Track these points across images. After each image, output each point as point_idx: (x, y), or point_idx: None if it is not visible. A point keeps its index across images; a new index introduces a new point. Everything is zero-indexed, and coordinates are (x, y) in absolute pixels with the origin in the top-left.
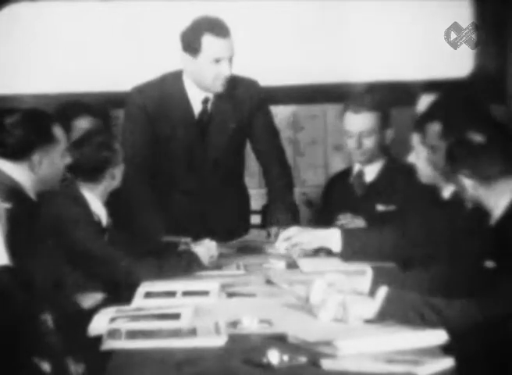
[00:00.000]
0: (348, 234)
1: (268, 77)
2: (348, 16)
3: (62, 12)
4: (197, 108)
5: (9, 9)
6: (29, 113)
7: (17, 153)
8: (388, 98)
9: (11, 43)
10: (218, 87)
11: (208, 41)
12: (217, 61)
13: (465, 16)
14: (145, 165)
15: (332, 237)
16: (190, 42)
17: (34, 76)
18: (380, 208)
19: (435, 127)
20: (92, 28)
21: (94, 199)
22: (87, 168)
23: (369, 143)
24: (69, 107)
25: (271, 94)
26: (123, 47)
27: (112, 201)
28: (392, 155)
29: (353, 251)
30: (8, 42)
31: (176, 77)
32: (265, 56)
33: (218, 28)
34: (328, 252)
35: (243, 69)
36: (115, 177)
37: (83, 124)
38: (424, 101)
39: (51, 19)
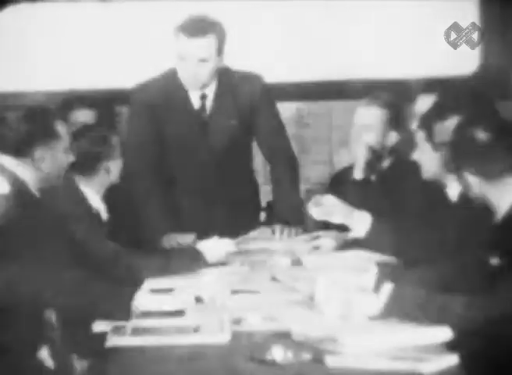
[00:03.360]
0: (378, 225)
1: (272, 74)
2: (353, 13)
3: (66, 10)
4: (196, 104)
5: (13, 8)
6: (32, 109)
7: (19, 148)
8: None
9: (15, 41)
10: (191, 85)
11: (178, 39)
12: (181, 58)
13: (471, 13)
14: (150, 161)
15: (361, 222)
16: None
17: (38, 73)
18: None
19: (450, 122)
20: (95, 25)
21: (92, 193)
22: (81, 161)
23: (367, 138)
24: (67, 100)
25: (275, 91)
26: (126, 43)
27: (112, 197)
28: (398, 153)
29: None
30: (12, 40)
31: (176, 74)
32: (270, 53)
33: (190, 28)
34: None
35: (248, 65)
36: (110, 171)
37: (80, 117)
38: (423, 101)
39: (55, 16)
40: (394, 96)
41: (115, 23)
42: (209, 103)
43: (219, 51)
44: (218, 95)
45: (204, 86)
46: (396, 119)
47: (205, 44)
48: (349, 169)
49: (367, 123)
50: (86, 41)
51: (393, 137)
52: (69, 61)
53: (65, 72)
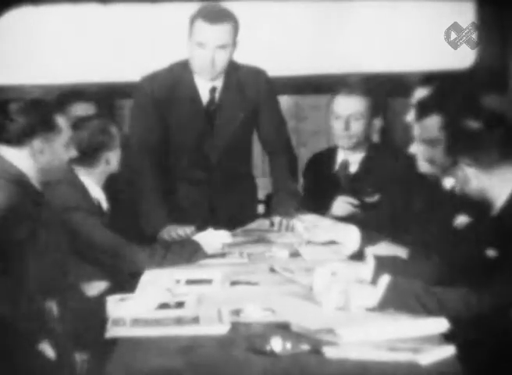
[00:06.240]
0: (368, 236)
1: (271, 68)
2: (352, 8)
3: (67, 9)
4: (204, 97)
5: (16, 9)
6: (33, 102)
7: (18, 139)
8: (384, 88)
9: (17, 37)
10: (206, 74)
11: (196, 25)
12: (200, 45)
13: (468, 7)
14: (152, 152)
15: (350, 238)
16: (189, 25)
17: (39, 67)
18: (367, 199)
19: (433, 120)
20: (95, 19)
21: (92, 184)
22: (81, 152)
23: (357, 127)
24: (65, 94)
25: (274, 85)
26: (126, 38)
27: (111, 188)
28: (375, 142)
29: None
30: (14, 36)
31: (184, 67)
32: (269, 47)
33: (209, 14)
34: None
35: (248, 59)
36: (110, 162)
37: (77, 111)
38: (420, 95)
39: (57, 14)
40: (371, 84)
41: (114, 20)
42: (217, 96)
43: (234, 40)
44: (226, 88)
45: (217, 76)
46: (377, 106)
47: (225, 31)
48: (327, 155)
49: (354, 112)
50: (85, 34)
51: (377, 125)
52: (68, 55)
53: (64, 66)
